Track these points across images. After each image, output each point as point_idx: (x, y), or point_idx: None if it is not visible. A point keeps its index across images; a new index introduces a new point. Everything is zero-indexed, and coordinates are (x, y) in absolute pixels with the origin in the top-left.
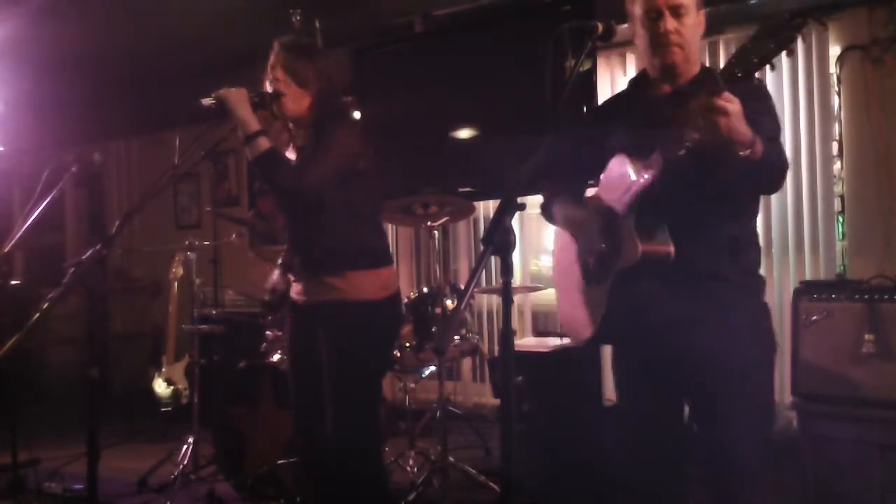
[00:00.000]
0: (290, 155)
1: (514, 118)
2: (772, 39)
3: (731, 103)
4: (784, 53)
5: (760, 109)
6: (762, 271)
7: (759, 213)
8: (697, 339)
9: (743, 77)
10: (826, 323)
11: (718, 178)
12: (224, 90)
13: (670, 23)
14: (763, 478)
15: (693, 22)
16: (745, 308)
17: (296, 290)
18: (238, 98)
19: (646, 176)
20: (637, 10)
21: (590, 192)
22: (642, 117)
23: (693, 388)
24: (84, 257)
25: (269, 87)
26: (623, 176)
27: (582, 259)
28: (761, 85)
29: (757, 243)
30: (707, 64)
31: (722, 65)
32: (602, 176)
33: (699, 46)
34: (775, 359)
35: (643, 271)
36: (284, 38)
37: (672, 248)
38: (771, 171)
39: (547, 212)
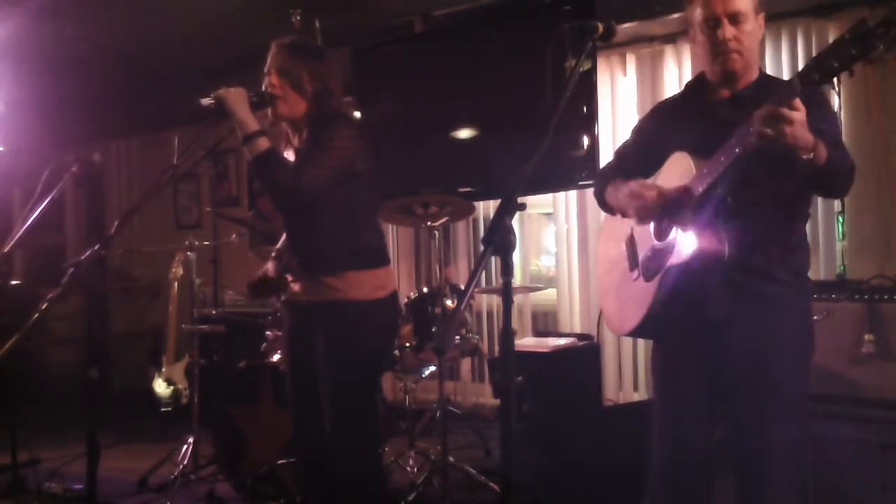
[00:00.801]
0: (290, 156)
1: (514, 118)
2: (854, 46)
3: (797, 111)
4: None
5: (823, 116)
6: None
7: None
8: (744, 338)
9: (820, 81)
10: (826, 323)
11: (780, 180)
12: (223, 90)
13: (729, 31)
14: (794, 483)
15: (752, 28)
16: (792, 309)
17: (294, 289)
18: (237, 98)
19: (707, 174)
20: (696, 16)
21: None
22: (701, 121)
23: (733, 388)
24: (83, 257)
25: (266, 89)
26: (683, 174)
27: (631, 252)
28: (822, 91)
29: (806, 245)
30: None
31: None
32: (660, 172)
33: (758, 51)
34: (809, 362)
35: (695, 268)
36: (282, 40)
37: (726, 248)
38: (836, 175)
39: (600, 196)
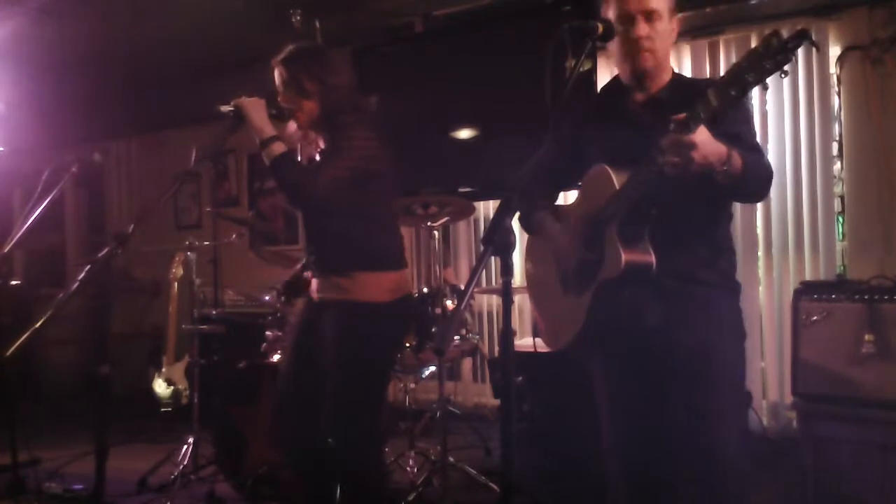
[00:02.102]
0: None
1: (514, 118)
2: (768, 59)
3: (699, 135)
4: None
5: (739, 120)
6: (761, 272)
7: (759, 214)
8: (680, 339)
9: (737, 97)
10: (826, 323)
11: (699, 189)
12: (242, 98)
13: (642, 28)
14: (749, 471)
15: (665, 28)
16: (723, 309)
17: (312, 285)
18: (254, 106)
19: (627, 192)
20: (610, 14)
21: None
22: (619, 126)
23: (675, 390)
24: (100, 256)
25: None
26: (603, 185)
27: (560, 268)
28: None
29: (732, 247)
30: (692, 65)
31: (721, 71)
32: (581, 184)
33: (670, 53)
34: (745, 355)
35: (625, 280)
36: (277, 56)
37: (653, 258)
38: (753, 181)
39: (526, 221)
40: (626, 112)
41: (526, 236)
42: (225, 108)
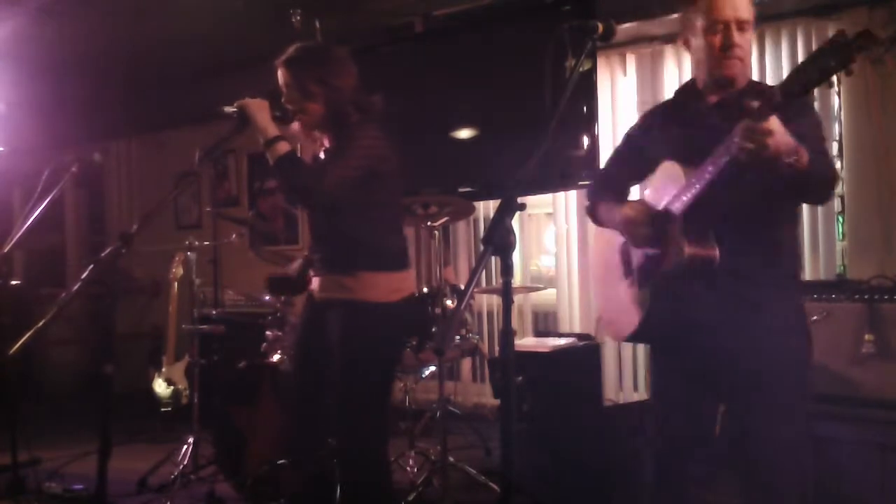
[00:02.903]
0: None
1: (514, 118)
2: (833, 58)
3: (772, 123)
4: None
5: (807, 123)
6: None
7: None
8: (736, 339)
9: (799, 94)
10: (826, 323)
11: (765, 184)
12: (245, 100)
13: (736, 36)
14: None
15: (750, 38)
16: (783, 310)
17: (314, 284)
18: (258, 107)
19: (695, 183)
20: (699, 21)
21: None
22: (689, 126)
23: (731, 388)
24: (104, 255)
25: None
26: (672, 182)
27: (625, 260)
28: (807, 100)
29: (796, 248)
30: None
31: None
32: (651, 181)
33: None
34: (811, 361)
35: (687, 274)
36: (281, 56)
37: (717, 253)
38: (817, 179)
39: (592, 212)
40: (697, 113)
41: (528, 234)
42: (228, 110)
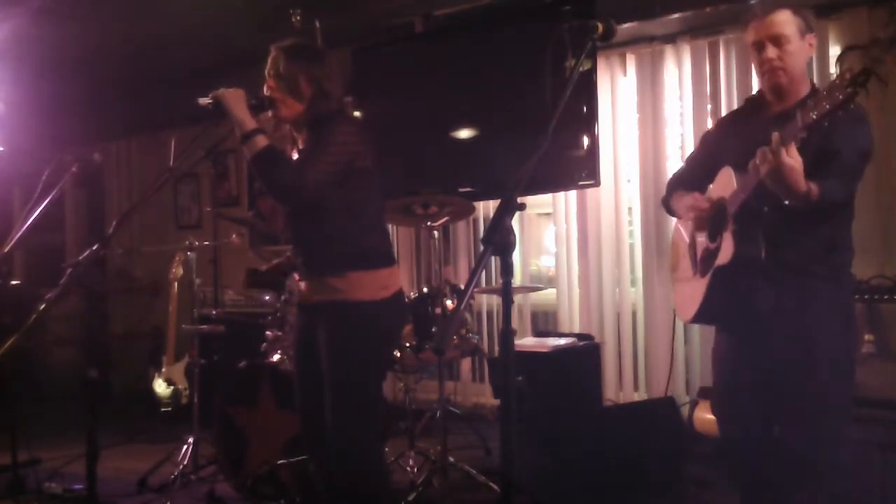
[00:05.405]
0: (295, 157)
1: (514, 118)
2: (851, 100)
3: (789, 159)
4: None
5: (842, 139)
6: None
7: None
8: (787, 327)
9: (820, 126)
10: None
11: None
12: (221, 90)
13: (771, 51)
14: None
15: (796, 48)
16: (831, 301)
17: (301, 289)
18: (235, 98)
19: (740, 190)
20: (748, 40)
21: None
22: (750, 134)
23: (779, 370)
24: (81, 258)
25: (266, 92)
26: (726, 185)
27: (693, 251)
28: (857, 112)
29: (848, 244)
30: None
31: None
32: (710, 186)
33: (805, 69)
34: (856, 356)
35: (738, 267)
36: (281, 43)
37: (762, 251)
38: (827, 206)
39: (667, 204)
40: (759, 122)
41: (527, 234)
42: (204, 101)
